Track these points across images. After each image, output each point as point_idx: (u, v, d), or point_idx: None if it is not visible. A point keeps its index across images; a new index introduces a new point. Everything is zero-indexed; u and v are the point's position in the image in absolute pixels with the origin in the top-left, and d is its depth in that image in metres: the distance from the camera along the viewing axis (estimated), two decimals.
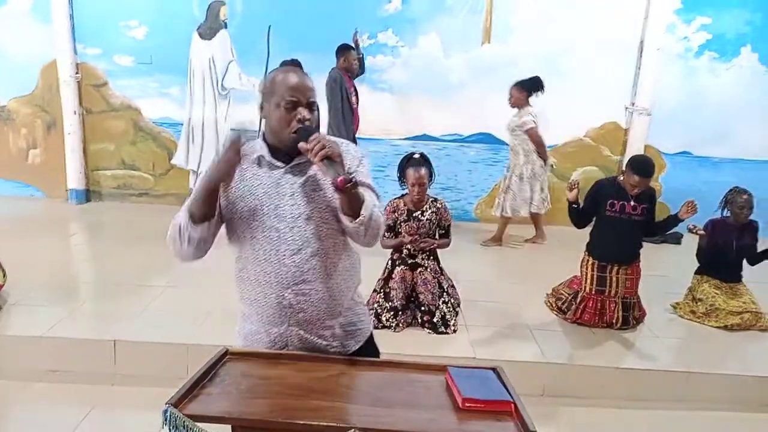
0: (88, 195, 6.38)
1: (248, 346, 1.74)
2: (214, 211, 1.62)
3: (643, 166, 3.58)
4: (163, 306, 3.73)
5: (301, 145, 1.55)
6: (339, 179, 1.48)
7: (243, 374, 1.54)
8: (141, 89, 6.18)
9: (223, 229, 1.73)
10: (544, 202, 5.44)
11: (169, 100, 6.23)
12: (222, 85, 6.19)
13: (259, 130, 1.75)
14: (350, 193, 1.53)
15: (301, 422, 1.33)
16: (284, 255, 1.63)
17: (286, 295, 1.65)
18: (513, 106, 5.24)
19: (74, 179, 6.23)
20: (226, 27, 6.07)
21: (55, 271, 4.27)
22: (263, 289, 1.67)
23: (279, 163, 1.66)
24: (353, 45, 5.37)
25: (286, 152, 1.65)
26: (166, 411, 1.32)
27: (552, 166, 5.52)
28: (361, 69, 5.56)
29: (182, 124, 6.28)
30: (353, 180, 1.52)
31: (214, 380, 1.50)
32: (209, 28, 6.07)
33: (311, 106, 1.63)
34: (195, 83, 6.19)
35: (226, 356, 1.62)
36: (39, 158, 6.39)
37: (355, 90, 5.45)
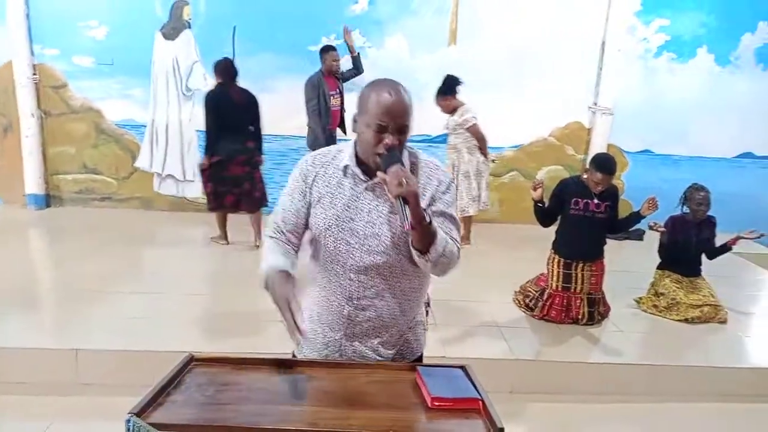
0: (48, 200, 6.18)
1: (305, 345, 1.74)
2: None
3: (605, 163, 3.67)
4: (127, 313, 3.64)
5: (380, 174, 1.51)
6: (405, 225, 1.45)
7: (209, 381, 1.51)
8: (102, 91, 6.03)
9: None
10: (485, 201, 5.49)
11: (132, 102, 6.09)
12: (186, 86, 6.08)
13: None
14: (419, 232, 1.50)
15: (269, 427, 1.31)
16: (350, 270, 1.62)
17: (346, 306, 1.65)
18: (449, 113, 5.29)
19: (33, 184, 6.04)
20: (189, 27, 5.97)
21: (13, 279, 4.13)
22: (327, 295, 1.68)
23: (363, 177, 1.63)
24: (345, 43, 5.42)
25: (370, 167, 1.61)
26: (129, 421, 1.29)
27: (493, 161, 5.51)
28: (356, 69, 5.50)
29: (146, 126, 6.15)
30: (426, 220, 1.49)
31: (179, 387, 1.47)
32: (172, 29, 5.96)
33: (402, 130, 1.56)
34: (158, 84, 6.07)
35: (191, 363, 1.59)
36: None
37: (340, 90, 5.39)
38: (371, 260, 1.61)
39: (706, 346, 3.70)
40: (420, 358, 1.84)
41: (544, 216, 3.79)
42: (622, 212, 3.90)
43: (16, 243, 5.13)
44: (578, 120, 6.32)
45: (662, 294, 4.06)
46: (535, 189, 3.71)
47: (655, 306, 4.07)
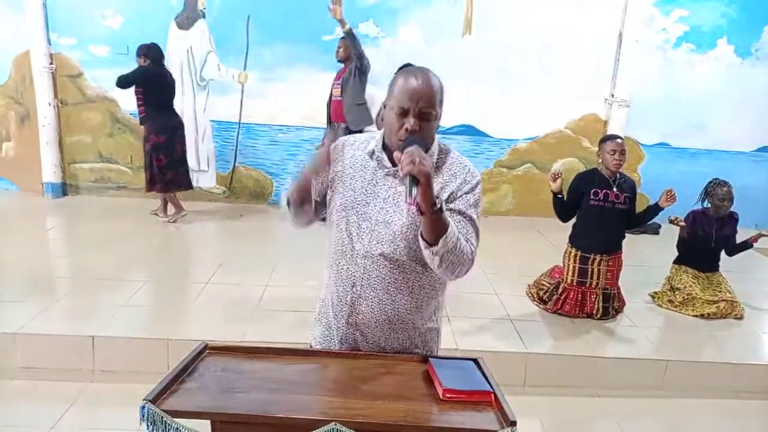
0: (64, 188, 6.25)
1: (321, 334, 1.76)
2: (308, 202, 1.65)
3: (612, 134, 3.71)
4: (142, 301, 3.68)
5: (396, 153, 1.48)
6: (408, 199, 1.40)
7: (223, 369, 1.52)
8: None
9: None
10: None
11: None
12: (200, 75, 6.10)
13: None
14: (429, 218, 1.43)
15: (281, 416, 1.32)
16: (357, 254, 1.60)
17: (350, 292, 1.63)
18: None
19: (50, 172, 6.10)
20: (204, 17, 5.97)
21: (30, 266, 4.19)
22: (335, 279, 1.67)
23: (387, 163, 1.61)
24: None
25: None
26: (143, 407, 1.30)
27: None
28: (357, 58, 5.12)
29: None
30: (437, 206, 1.42)
31: (193, 375, 1.48)
32: (187, 18, 5.97)
33: (426, 116, 1.52)
34: (173, 74, 6.08)
35: (205, 351, 1.60)
36: (13, 151, 6.24)
37: (344, 80, 5.26)
38: (379, 247, 1.59)
39: (721, 342, 3.66)
40: None
41: (563, 209, 3.74)
42: (639, 206, 3.85)
43: (34, 231, 5.19)
44: (594, 112, 6.25)
45: (678, 289, 4.01)
46: (554, 180, 3.65)
47: (670, 301, 4.02)
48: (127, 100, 6.10)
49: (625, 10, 5.93)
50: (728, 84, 6.20)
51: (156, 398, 1.33)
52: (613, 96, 6.11)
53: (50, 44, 5.91)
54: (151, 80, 5.14)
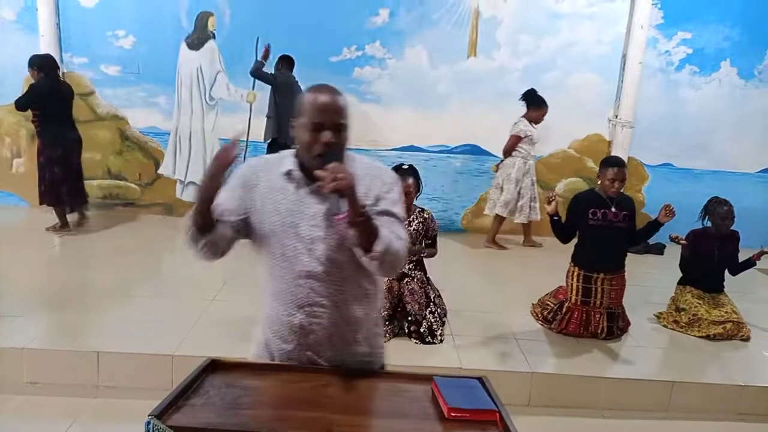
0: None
1: (258, 354, 1.76)
2: (211, 221, 1.58)
3: (613, 158, 3.73)
4: (148, 317, 3.69)
5: (317, 171, 1.50)
6: (339, 216, 1.44)
7: (228, 385, 1.53)
8: (128, 99, 6.15)
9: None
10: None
11: (157, 110, 6.21)
12: (210, 95, 6.18)
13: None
14: (359, 228, 1.49)
15: None
16: (299, 275, 1.61)
17: (297, 315, 1.63)
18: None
19: None
20: (214, 37, 6.08)
21: (38, 281, 4.22)
22: (276, 305, 1.67)
23: (306, 181, 1.62)
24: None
25: (313, 172, 1.59)
26: (148, 423, 1.31)
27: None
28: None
29: (169, 134, 6.26)
30: (366, 215, 1.48)
31: (198, 391, 1.49)
32: (197, 39, 6.08)
33: (339, 128, 1.58)
34: (183, 93, 6.17)
35: (211, 367, 1.61)
36: (23, 167, 6.32)
37: None
38: (319, 264, 1.60)
39: (727, 364, 3.63)
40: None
41: (561, 231, 3.73)
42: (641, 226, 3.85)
43: (42, 246, 5.22)
44: (598, 132, 6.29)
45: (683, 309, 3.99)
46: (549, 202, 3.65)
47: (675, 321, 4.00)
48: (137, 118, 6.22)
49: (628, 33, 5.99)
50: (732, 105, 6.24)
51: (161, 414, 1.34)
52: (616, 117, 6.14)
53: (63, 63, 6.01)
54: (44, 95, 5.11)
